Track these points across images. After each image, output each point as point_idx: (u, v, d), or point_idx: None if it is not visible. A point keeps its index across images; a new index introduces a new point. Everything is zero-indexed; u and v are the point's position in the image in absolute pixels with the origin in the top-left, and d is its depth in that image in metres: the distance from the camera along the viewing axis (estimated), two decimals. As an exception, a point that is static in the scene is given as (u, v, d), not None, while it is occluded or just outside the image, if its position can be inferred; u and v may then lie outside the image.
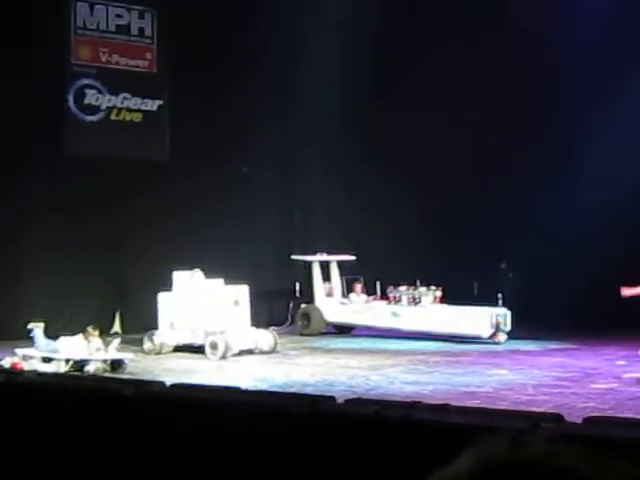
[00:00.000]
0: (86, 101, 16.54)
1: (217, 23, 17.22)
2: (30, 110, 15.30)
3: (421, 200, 17.89)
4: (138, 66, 17.25)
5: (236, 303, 14.27)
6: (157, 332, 14.16)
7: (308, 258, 17.16)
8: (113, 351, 12.66)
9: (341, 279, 17.15)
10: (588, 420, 4.17)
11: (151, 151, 17.22)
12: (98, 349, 12.49)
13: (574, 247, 16.75)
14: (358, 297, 16.69)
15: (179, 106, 17.42)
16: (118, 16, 16.79)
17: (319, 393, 8.40)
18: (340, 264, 17.34)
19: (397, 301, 16.08)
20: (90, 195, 15.91)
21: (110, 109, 16.92)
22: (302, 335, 16.28)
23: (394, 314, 15.91)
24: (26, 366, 11.75)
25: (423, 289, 15.89)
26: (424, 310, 15.75)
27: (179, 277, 14.63)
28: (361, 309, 16.57)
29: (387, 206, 18.31)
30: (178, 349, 14.30)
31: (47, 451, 5.00)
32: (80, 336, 12.73)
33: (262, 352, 13.98)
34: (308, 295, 17.93)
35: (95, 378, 9.81)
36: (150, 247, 16.44)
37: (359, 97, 17.54)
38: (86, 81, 16.62)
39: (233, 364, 13.35)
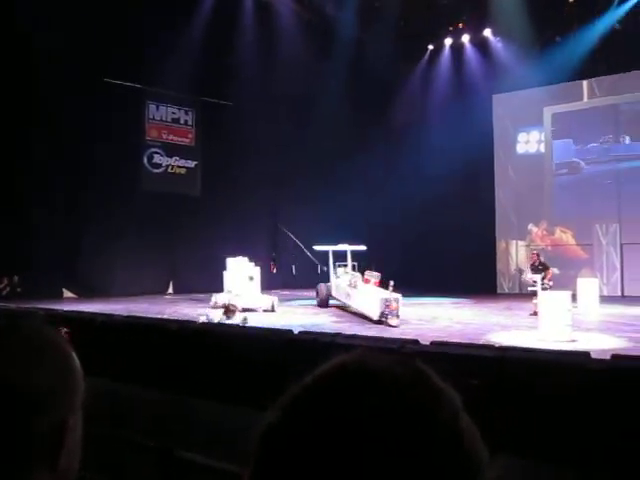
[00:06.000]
0: (154, 161, 19.70)
1: (230, 117, 19.80)
2: (123, 166, 18.11)
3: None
4: (183, 141, 20.32)
5: (250, 278, 15.17)
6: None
7: (326, 248, 16.23)
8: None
9: (334, 265, 15.89)
10: (433, 343, 5.13)
11: (190, 190, 20.01)
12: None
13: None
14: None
15: (206, 165, 20.34)
16: (173, 112, 20.02)
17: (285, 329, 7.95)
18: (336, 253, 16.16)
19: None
20: (155, 215, 18.48)
21: (167, 166, 19.96)
22: (318, 306, 15.42)
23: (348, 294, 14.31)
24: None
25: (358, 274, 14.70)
26: (356, 290, 13.94)
27: (230, 261, 15.77)
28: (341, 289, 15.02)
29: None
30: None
31: (143, 356, 5.91)
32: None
33: (265, 310, 14.23)
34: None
35: (159, 319, 10.27)
36: (187, 244, 19.12)
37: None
38: (154, 149, 19.72)
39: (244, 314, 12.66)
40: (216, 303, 14.23)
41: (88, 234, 17.64)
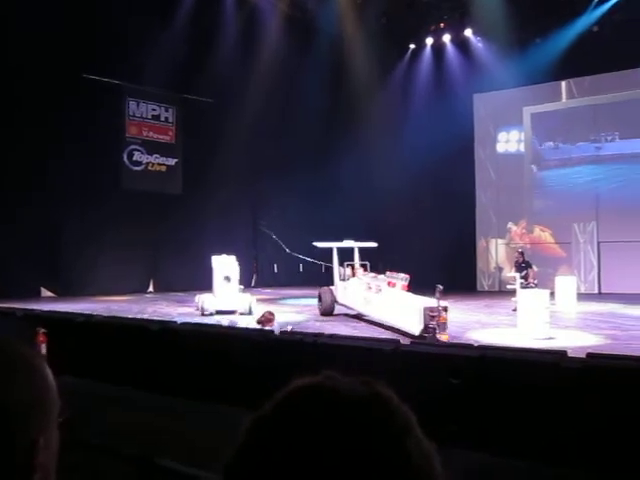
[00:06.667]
0: (134, 158, 19.60)
1: (210, 115, 19.80)
2: (102, 163, 18.11)
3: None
4: (164, 139, 20.27)
5: (227, 279, 14.08)
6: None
7: (329, 245, 14.10)
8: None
9: (343, 265, 13.75)
10: (414, 342, 5.73)
11: (170, 188, 19.94)
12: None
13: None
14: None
15: (187, 162, 20.32)
16: (153, 109, 19.94)
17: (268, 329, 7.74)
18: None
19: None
20: (135, 213, 18.38)
21: (147, 163, 19.88)
22: (321, 314, 13.19)
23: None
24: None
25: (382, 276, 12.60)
26: (381, 296, 11.59)
27: (215, 259, 14.69)
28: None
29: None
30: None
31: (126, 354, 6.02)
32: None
33: (241, 314, 12.77)
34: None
35: (140, 319, 10.12)
36: (168, 243, 19.16)
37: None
38: (134, 147, 19.61)
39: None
40: (200, 304, 13.65)
41: (67, 232, 17.50)
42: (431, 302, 9.46)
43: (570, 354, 4.27)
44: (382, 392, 0.60)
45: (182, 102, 20.46)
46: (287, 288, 20.22)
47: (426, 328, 9.18)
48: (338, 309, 13.32)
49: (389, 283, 11.37)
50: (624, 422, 3.56)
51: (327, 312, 13.24)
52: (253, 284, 20.89)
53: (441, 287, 9.27)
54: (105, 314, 9.55)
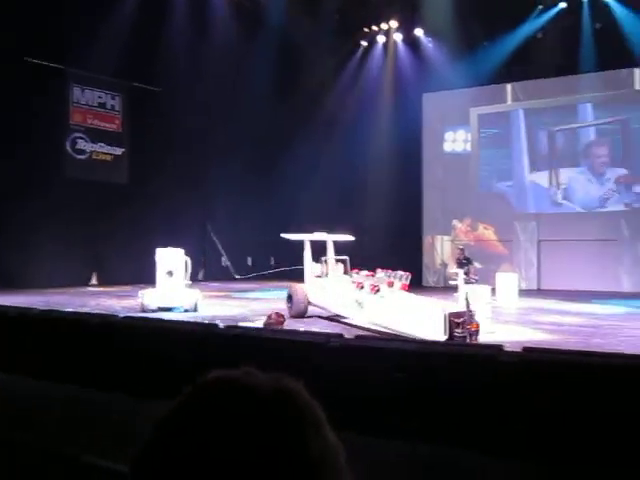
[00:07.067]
0: (77, 147, 19.02)
1: (159, 104, 19.42)
2: (44, 151, 17.45)
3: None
4: (110, 127, 19.77)
5: (169, 273, 13.34)
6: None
7: (299, 237, 12.55)
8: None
9: (320, 261, 12.24)
10: (358, 337, 5.29)
11: (116, 178, 19.49)
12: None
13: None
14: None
15: (134, 152, 19.92)
16: (99, 97, 19.44)
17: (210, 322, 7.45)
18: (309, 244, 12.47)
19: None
20: (78, 203, 17.86)
21: (92, 152, 19.36)
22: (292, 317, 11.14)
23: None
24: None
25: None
26: (381, 299, 9.97)
27: (159, 252, 13.88)
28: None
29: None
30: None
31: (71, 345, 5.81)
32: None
33: (186, 310, 12.58)
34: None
35: (78, 312, 9.42)
36: (113, 234, 18.63)
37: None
38: (78, 135, 19.04)
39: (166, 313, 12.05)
40: (140, 300, 12.75)
41: (6, 223, 16.81)
42: (453, 306, 8.43)
43: (507, 348, 4.35)
44: (291, 387, 0.61)
45: (129, 90, 20.02)
46: (235, 282, 20.16)
47: (451, 338, 7.73)
48: (311, 310, 11.73)
49: (388, 283, 9.77)
50: (561, 414, 3.63)
51: (299, 314, 11.51)
52: (201, 278, 20.63)
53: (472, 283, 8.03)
54: (43, 307, 9.32)
